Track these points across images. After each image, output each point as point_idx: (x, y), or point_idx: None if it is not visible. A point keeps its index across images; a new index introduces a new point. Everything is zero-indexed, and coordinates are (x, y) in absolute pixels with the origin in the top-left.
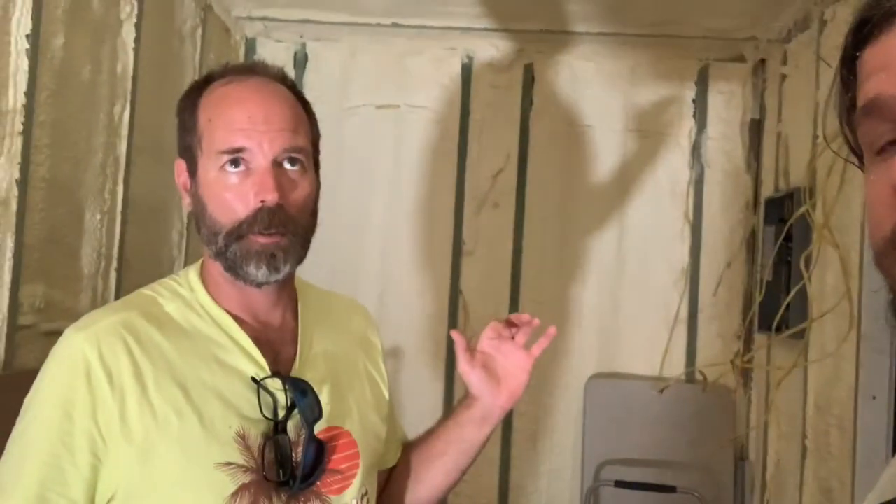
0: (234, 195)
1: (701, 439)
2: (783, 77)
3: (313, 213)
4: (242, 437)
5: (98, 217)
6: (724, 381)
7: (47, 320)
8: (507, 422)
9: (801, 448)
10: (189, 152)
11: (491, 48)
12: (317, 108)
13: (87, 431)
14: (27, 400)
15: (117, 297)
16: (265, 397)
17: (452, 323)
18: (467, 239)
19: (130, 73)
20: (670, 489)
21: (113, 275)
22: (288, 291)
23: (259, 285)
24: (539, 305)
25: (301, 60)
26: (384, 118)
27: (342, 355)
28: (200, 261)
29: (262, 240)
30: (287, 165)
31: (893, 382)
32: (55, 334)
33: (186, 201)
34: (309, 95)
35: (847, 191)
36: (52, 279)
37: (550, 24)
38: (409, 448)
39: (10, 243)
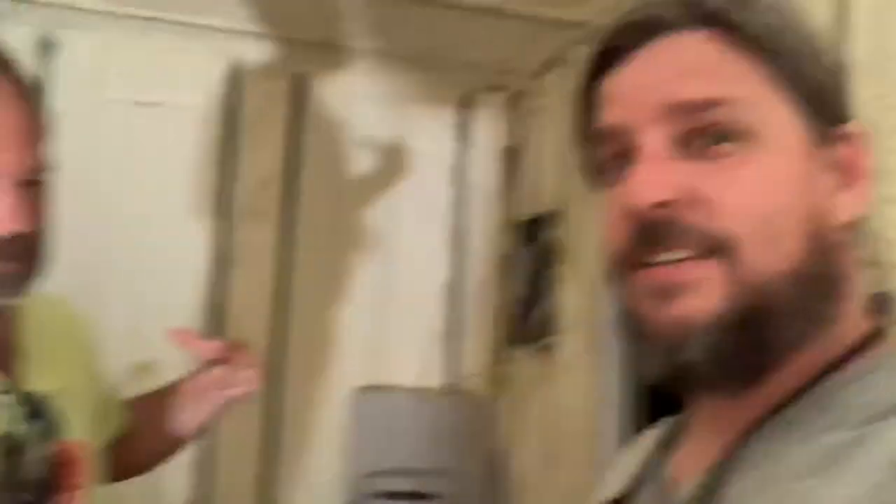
0: None
1: (460, 448)
2: (537, 109)
3: (46, 236)
4: None
5: None
6: (481, 391)
7: None
8: (269, 436)
9: (547, 455)
10: None
11: (262, 54)
12: (67, 102)
13: None
14: None
15: None
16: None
17: (215, 335)
18: (230, 250)
19: None
20: (430, 497)
21: None
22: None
23: None
24: (305, 318)
25: (49, 48)
26: (144, 116)
27: (60, 355)
28: None
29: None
30: (30, 184)
31: (625, 392)
32: None
33: None
34: (58, 88)
35: (590, 215)
36: None
37: (323, 36)
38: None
39: None
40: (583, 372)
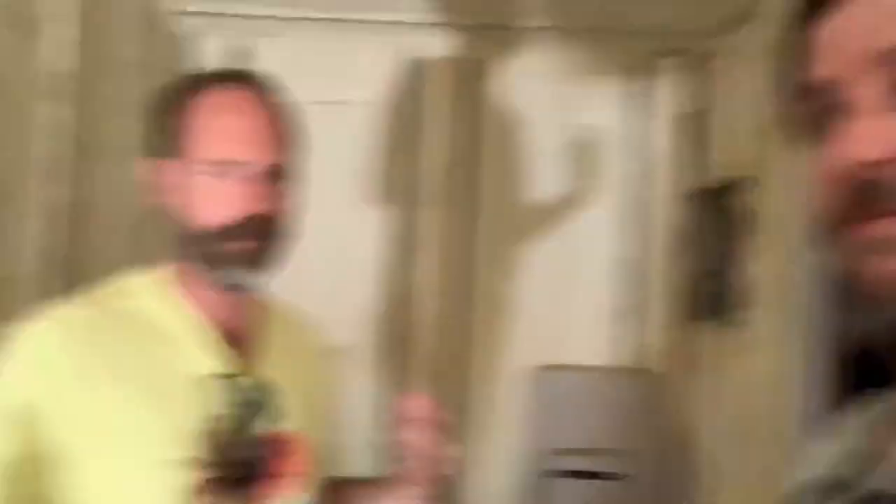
0: (218, 200)
1: (644, 427)
2: (723, 69)
3: (290, 227)
4: (201, 434)
5: (40, 220)
6: (666, 369)
7: None
8: (454, 415)
9: (740, 433)
10: (169, 153)
11: (440, 43)
12: None
13: (35, 420)
14: None
15: (62, 300)
16: (226, 395)
17: (405, 320)
18: (419, 234)
19: (70, 72)
20: (614, 476)
21: (56, 278)
22: (253, 298)
23: (232, 289)
24: (489, 299)
25: (243, 56)
26: (330, 114)
27: (297, 367)
28: (161, 263)
29: (240, 246)
30: (270, 179)
31: (820, 367)
32: None
33: (154, 200)
34: None
35: (785, 179)
36: None
37: (499, 19)
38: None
39: None
40: (775, 346)
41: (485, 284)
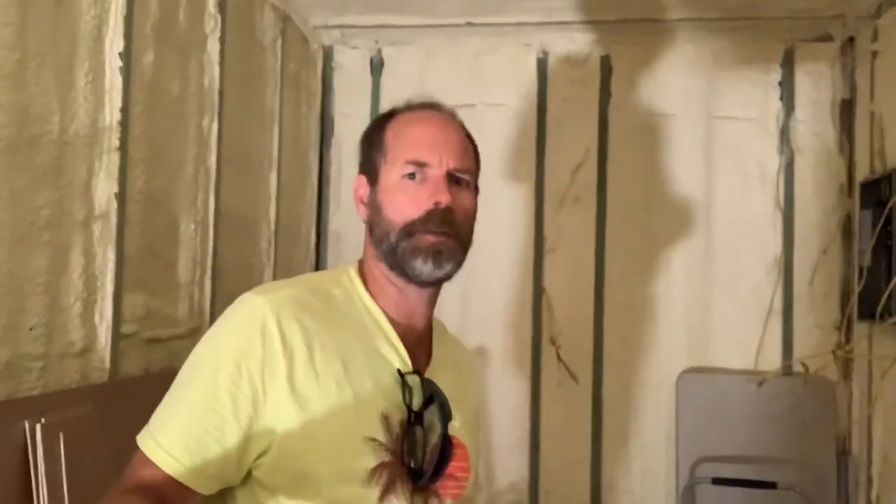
0: (410, 198)
1: (801, 434)
2: (874, 54)
3: (471, 229)
4: (386, 419)
5: (192, 227)
6: (823, 372)
7: (148, 328)
8: (596, 420)
9: None
10: (372, 166)
11: (566, 42)
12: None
13: (252, 383)
14: (198, 350)
15: (213, 305)
16: (415, 391)
17: (536, 321)
18: (549, 236)
19: (217, 86)
20: (770, 485)
21: (208, 283)
22: (433, 305)
23: (422, 283)
24: (625, 301)
25: (377, 65)
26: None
27: (456, 378)
28: (357, 262)
29: (430, 238)
30: (457, 181)
31: None
32: (156, 342)
33: (362, 211)
34: (386, 100)
35: None
36: (151, 288)
37: (628, 13)
38: None
39: (111, 255)
40: None
41: (622, 283)
